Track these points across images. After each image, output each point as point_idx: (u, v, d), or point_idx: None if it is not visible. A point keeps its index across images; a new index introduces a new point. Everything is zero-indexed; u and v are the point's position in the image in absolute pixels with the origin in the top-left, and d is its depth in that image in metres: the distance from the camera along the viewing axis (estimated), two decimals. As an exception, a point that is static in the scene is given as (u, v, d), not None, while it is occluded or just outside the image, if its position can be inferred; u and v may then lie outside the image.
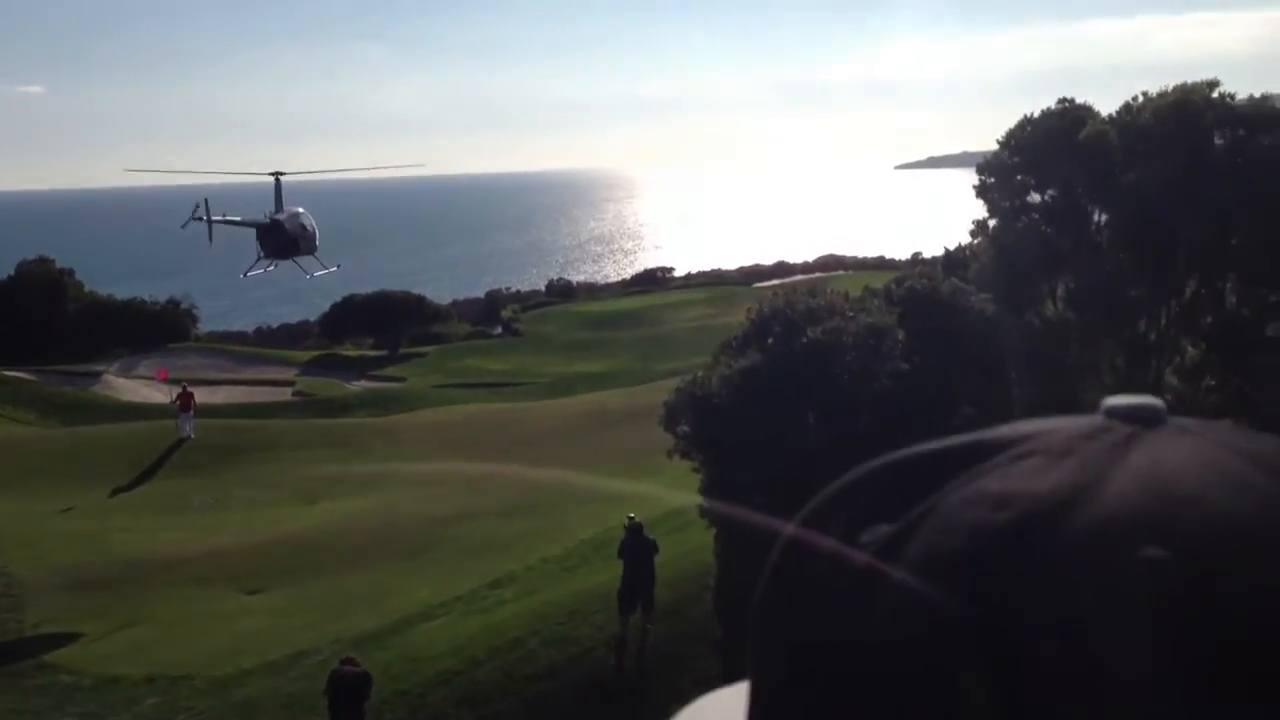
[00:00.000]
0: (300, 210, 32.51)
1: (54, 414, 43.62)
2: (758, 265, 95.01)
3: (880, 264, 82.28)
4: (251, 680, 17.48)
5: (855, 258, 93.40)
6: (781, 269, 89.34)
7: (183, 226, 29.50)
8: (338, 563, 23.19)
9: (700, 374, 18.32)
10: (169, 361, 49.62)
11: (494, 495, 27.50)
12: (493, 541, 23.36)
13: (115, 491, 31.07)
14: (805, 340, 17.30)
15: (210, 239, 29.51)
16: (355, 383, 53.49)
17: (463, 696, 15.78)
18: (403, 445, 35.34)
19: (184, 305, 62.51)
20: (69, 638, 19.83)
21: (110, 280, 63.11)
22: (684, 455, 17.90)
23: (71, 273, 63.08)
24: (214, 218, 29.65)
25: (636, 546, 16.93)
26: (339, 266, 35.36)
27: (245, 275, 33.79)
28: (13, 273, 62.88)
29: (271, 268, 33.01)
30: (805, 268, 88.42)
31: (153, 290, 65.53)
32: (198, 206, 29.22)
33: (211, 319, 67.64)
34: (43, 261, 63.31)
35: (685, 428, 17.82)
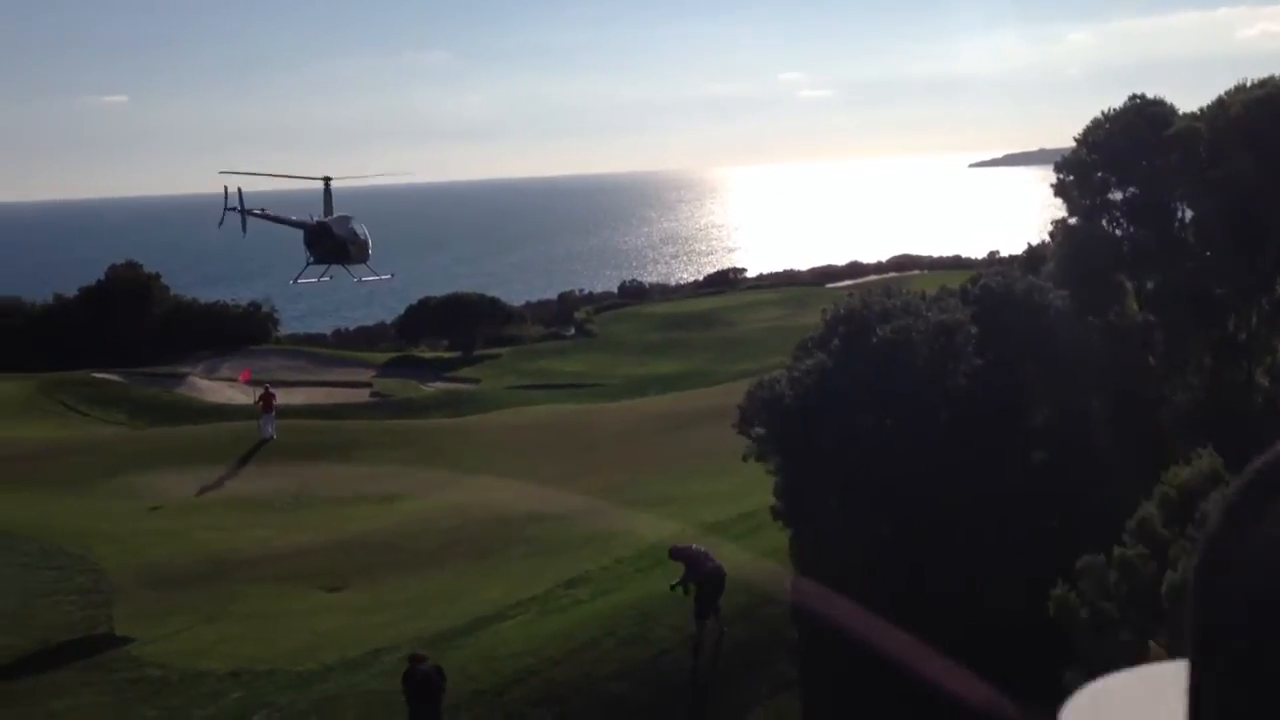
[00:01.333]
0: (351, 216, 31.69)
1: (142, 415, 44.74)
2: (831, 266, 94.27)
3: (956, 263, 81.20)
4: (332, 676, 17.76)
5: (930, 257, 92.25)
6: (855, 269, 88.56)
7: (219, 225, 28.85)
8: (415, 562, 23.48)
9: (771, 376, 18.26)
10: (251, 363, 50.59)
11: (567, 497, 27.64)
12: (566, 542, 23.48)
13: (201, 490, 31.78)
14: (875, 340, 17.15)
15: (244, 230, 28.78)
16: (430, 384, 54.08)
17: (540, 696, 15.89)
18: (477, 446, 35.66)
19: (265, 308, 63.68)
20: (156, 632, 20.32)
21: (194, 284, 64.58)
22: (759, 458, 17.85)
23: (158, 277, 64.63)
24: (253, 210, 28.89)
25: (709, 573, 16.59)
26: (393, 275, 34.34)
27: (294, 282, 33.18)
28: (103, 277, 64.61)
29: (326, 277, 32.01)
30: (879, 268, 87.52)
31: (235, 294, 66.94)
32: (230, 197, 28.48)
33: (291, 321, 68.89)
34: (130, 266, 64.93)
35: (760, 430, 17.76)
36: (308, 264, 31.26)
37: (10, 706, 17.60)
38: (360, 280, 32.99)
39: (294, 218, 30.40)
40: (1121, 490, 15.46)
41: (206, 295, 63.93)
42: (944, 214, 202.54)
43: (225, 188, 28.35)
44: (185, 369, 54.56)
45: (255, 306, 63.02)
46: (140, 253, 65.33)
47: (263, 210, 29.02)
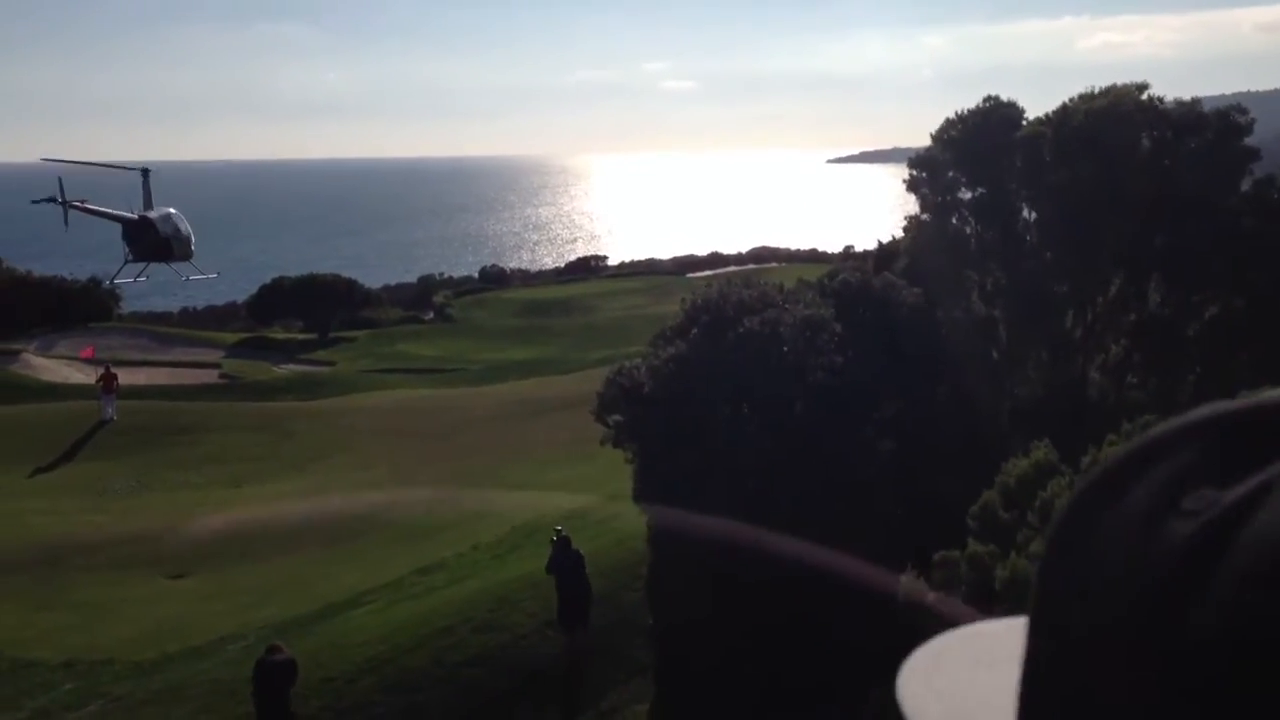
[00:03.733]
0: (173, 211, 30.23)
1: (-31, 393, 42.40)
2: (692, 255, 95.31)
3: (813, 256, 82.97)
4: (174, 665, 17.20)
5: (788, 250, 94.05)
6: (715, 260, 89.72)
7: (34, 202, 27.49)
8: (264, 548, 22.88)
9: (631, 364, 18.34)
10: (92, 341, 48.49)
11: (423, 481, 27.31)
12: (422, 528, 23.20)
13: (34, 473, 30.35)
14: (741, 331, 17.40)
15: (66, 223, 27.44)
16: (283, 366, 52.69)
17: (391, 683, 15.67)
18: (331, 430, 34.92)
19: (106, 284, 61.11)
20: (-17, 622, 19.34)
21: (29, 257, 61.49)
22: (616, 445, 17.92)
23: (-11, 248, 61.35)
24: (73, 202, 27.49)
25: (566, 561, 16.41)
26: (218, 274, 33.19)
27: (112, 282, 31.85)
28: (-73, 247, 60.99)
29: (143, 278, 30.57)
30: (739, 259, 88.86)
31: (72, 269, 63.95)
32: (56, 193, 27.10)
33: (134, 298, 66.15)
34: (-41, 236, 61.44)
35: (618, 417, 17.84)
36: (126, 261, 29.70)
37: None
38: (186, 279, 31.69)
39: (114, 211, 28.77)
40: (964, 480, 16.06)
41: (42, 269, 60.91)
42: (801, 208, 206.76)
43: (57, 182, 26.85)
44: (19, 345, 51.90)
45: (95, 281, 60.34)
46: (-30, 222, 61.85)
47: (83, 202, 27.45)
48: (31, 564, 22.21)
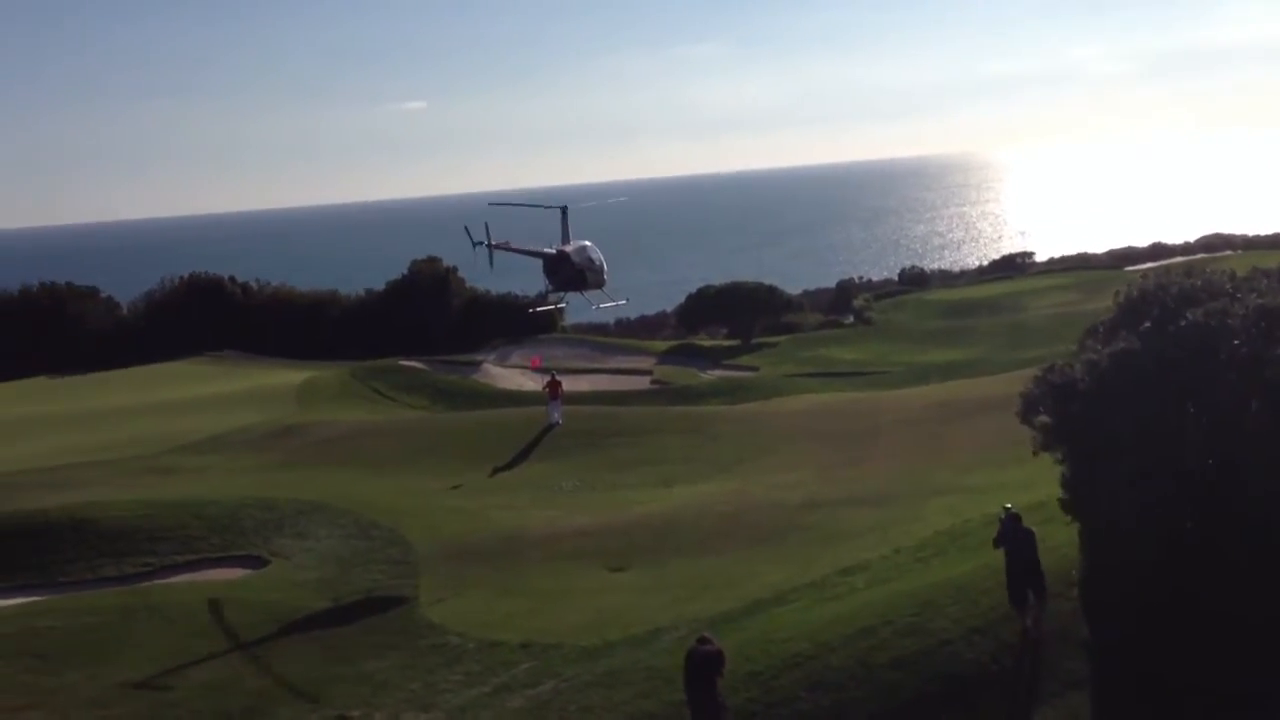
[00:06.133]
0: (588, 243, 32.02)
1: (442, 400, 47.79)
2: (1130, 248, 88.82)
3: (1276, 242, 74.73)
4: (615, 652, 18.41)
5: (1244, 236, 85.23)
6: (1157, 251, 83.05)
7: (474, 247, 29.78)
8: (694, 545, 23.97)
9: (1062, 362, 17.41)
10: (539, 351, 52.98)
11: (846, 484, 27.44)
12: (844, 530, 23.33)
13: (495, 471, 33.63)
14: (1184, 324, 16.05)
15: (491, 264, 29.59)
16: (709, 372, 54.92)
17: (815, 681, 15.89)
18: (755, 433, 35.92)
19: (530, 311, 66.48)
20: (455, 603, 21.71)
21: (485, 277, 68.13)
22: (1044, 448, 17.10)
23: (455, 270, 68.72)
24: (498, 244, 29.60)
25: (1016, 536, 16.42)
26: (627, 300, 34.81)
27: (533, 311, 34.20)
28: (406, 271, 69.30)
29: (563, 304, 32.62)
30: (1185, 248, 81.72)
31: (523, 286, 70.14)
32: (480, 243, 28.98)
33: (576, 311, 71.45)
34: (431, 260, 69.38)
35: (1045, 419, 17.01)
36: (547, 292, 32.10)
37: (332, 663, 19.28)
38: (597, 306, 33.64)
39: (535, 248, 31.23)
40: None
41: (498, 287, 67.29)
42: (1260, 189, 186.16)
43: (484, 227, 29.28)
44: (480, 357, 57.83)
45: (542, 296, 65.81)
46: (439, 248, 69.50)
47: (506, 243, 29.95)
48: (494, 555, 24.63)
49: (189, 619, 21.11)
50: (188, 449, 36.57)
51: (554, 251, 31.16)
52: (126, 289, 73.50)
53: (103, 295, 70.57)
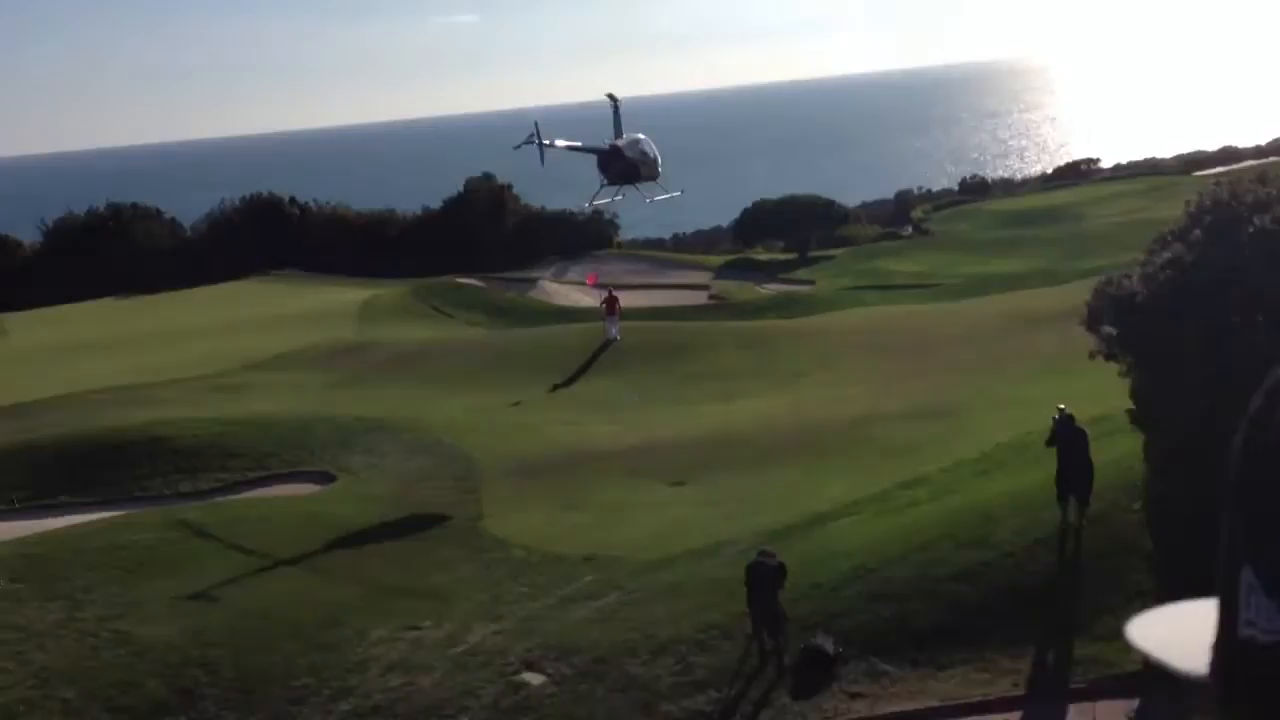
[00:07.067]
0: (641, 136, 31.71)
1: (500, 317, 48.10)
2: (1199, 152, 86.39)
3: (1352, 144, 72.30)
4: (677, 565, 18.73)
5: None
6: (1228, 155, 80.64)
7: (515, 148, 29.60)
8: (754, 459, 24.15)
9: (1120, 273, 17.16)
10: (596, 268, 52.99)
11: (905, 397, 27.40)
12: (904, 443, 23.36)
13: (554, 388, 33.97)
14: (1252, 230, 15.71)
15: (542, 163, 29.41)
16: (766, 286, 54.64)
17: (876, 593, 16.10)
18: (813, 347, 35.86)
19: (607, 215, 66.23)
20: (518, 517, 22.14)
21: (540, 193, 68.01)
22: (1108, 357, 16.94)
23: (510, 187, 68.64)
24: (548, 142, 29.41)
25: (1068, 436, 16.63)
26: (682, 192, 34.54)
27: (590, 204, 34.06)
28: (461, 190, 69.38)
29: (619, 196, 32.51)
30: (1258, 152, 79.27)
31: (577, 202, 70.02)
32: (531, 134, 29.03)
33: (631, 226, 71.24)
34: (486, 179, 69.32)
35: (1110, 329, 16.83)
36: (601, 186, 32.00)
37: (401, 576, 19.82)
38: (651, 199, 33.39)
39: (585, 144, 31.02)
40: None
41: (553, 203, 67.16)
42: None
43: (534, 125, 29.18)
44: (536, 274, 57.99)
45: (598, 213, 65.59)
46: (493, 165, 69.37)
47: (553, 141, 29.75)
48: (556, 469, 25.01)
49: (262, 533, 21.75)
50: (255, 367, 37.30)
51: (606, 146, 31.04)
52: (187, 210, 74.40)
53: (165, 216, 71.52)
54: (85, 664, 17.06)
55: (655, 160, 32.09)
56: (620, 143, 31.05)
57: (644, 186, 32.56)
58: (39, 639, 17.71)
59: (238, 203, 70.61)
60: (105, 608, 18.68)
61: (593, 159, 31.25)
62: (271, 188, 72.62)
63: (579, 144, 31.01)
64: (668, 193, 33.34)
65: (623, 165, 31.16)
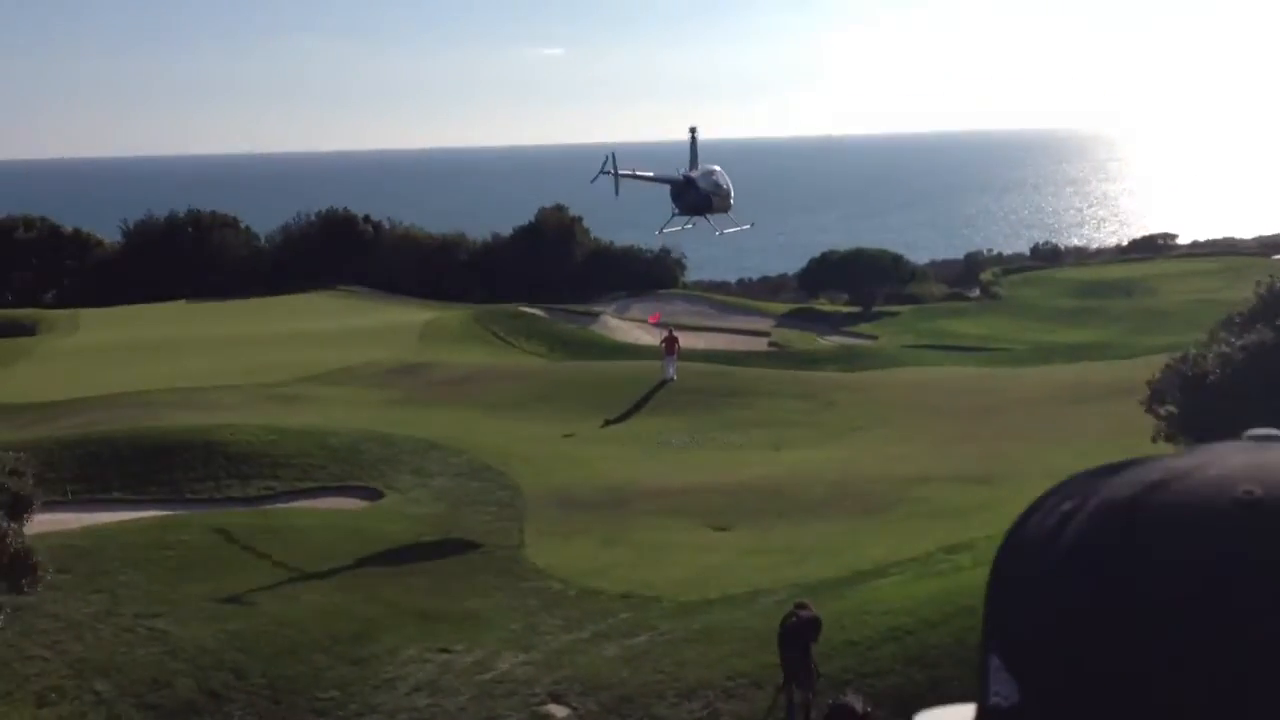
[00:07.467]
0: (716, 168, 31.76)
1: (560, 348, 48.34)
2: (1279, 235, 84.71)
3: None
4: (713, 610, 18.58)
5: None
6: (1309, 239, 79.06)
7: (592, 181, 29.67)
8: (799, 510, 23.94)
9: (1194, 351, 16.86)
10: (658, 306, 53.15)
11: (958, 460, 27.03)
12: (952, 507, 23.02)
13: (607, 423, 33.98)
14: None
15: (617, 192, 29.50)
16: (828, 337, 54.42)
17: (911, 656, 15.83)
18: (870, 402, 35.55)
19: (674, 254, 66.44)
20: (559, 549, 22.11)
21: (611, 228, 68.41)
22: (1169, 439, 16.62)
23: (580, 219, 69.16)
24: (624, 171, 29.50)
25: None
26: (752, 225, 34.44)
27: (660, 233, 34.17)
28: (533, 219, 70.03)
29: (689, 225, 32.58)
30: (1340, 238, 77.62)
31: (646, 239, 70.38)
32: (606, 160, 29.26)
33: (698, 266, 71.36)
34: (558, 209, 69.91)
35: (1172, 409, 16.52)
36: (673, 215, 32.14)
37: (437, 598, 19.86)
38: (721, 232, 33.37)
39: (658, 174, 31.15)
40: None
41: (621, 239, 67.51)
42: None
43: (610, 156, 29.50)
44: (599, 308, 58.26)
45: (665, 251, 65.87)
46: (565, 196, 69.99)
47: (632, 170, 29.88)
48: (601, 504, 24.97)
49: (306, 543, 21.96)
50: (314, 380, 37.80)
51: (681, 177, 31.13)
52: (264, 221, 75.83)
53: (242, 225, 72.96)
54: (119, 658, 17.29)
55: (728, 192, 32.16)
56: (694, 174, 31.19)
57: (715, 218, 32.62)
58: (77, 629, 17.99)
59: (313, 217, 71.85)
60: (144, 605, 18.93)
61: (665, 196, 31.46)
62: (348, 204, 73.80)
63: (653, 174, 31.21)
64: (738, 225, 33.39)
65: (695, 196, 31.33)
